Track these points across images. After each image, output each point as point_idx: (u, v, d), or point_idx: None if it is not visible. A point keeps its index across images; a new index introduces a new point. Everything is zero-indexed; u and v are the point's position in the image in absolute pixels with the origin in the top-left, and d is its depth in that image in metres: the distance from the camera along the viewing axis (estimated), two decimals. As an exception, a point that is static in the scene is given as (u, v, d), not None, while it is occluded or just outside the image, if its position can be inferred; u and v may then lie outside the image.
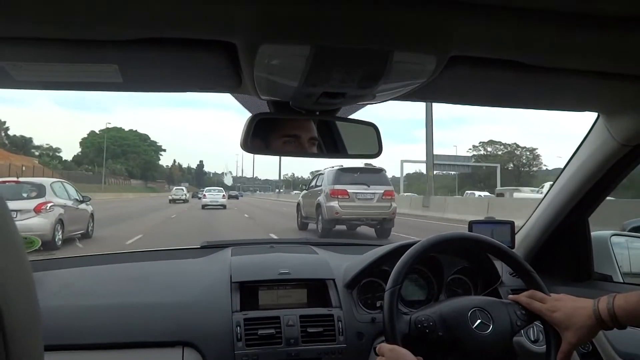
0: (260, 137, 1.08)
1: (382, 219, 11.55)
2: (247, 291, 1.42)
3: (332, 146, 1.18)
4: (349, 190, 11.37)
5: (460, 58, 0.82)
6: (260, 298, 1.43)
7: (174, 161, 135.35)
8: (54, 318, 1.25)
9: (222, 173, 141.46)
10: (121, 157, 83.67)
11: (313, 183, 13.27)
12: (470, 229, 1.58)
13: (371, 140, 1.16)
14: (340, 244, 1.99)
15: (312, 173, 12.83)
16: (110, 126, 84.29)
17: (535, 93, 1.09)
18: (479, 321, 1.12)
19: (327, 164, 13.47)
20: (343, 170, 11.74)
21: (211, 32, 0.74)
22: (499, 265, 1.51)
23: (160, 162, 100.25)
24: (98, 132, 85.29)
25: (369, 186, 11.53)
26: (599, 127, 1.33)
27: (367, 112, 1.21)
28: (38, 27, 0.71)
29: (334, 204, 11.30)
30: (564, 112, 1.24)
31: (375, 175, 12.04)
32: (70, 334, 1.25)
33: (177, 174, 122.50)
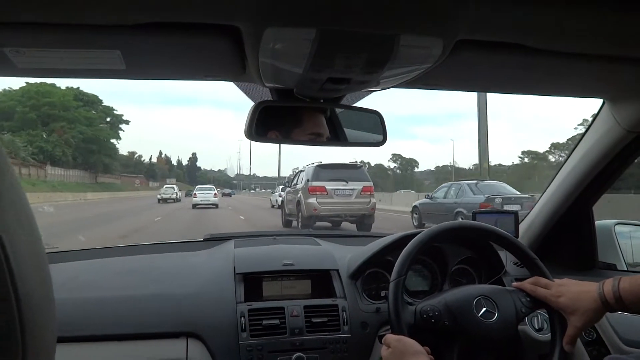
0: (264, 125, 1.07)
1: (361, 215, 11.47)
2: (251, 282, 1.42)
3: (336, 135, 1.17)
4: (327, 187, 11.30)
5: (466, 42, 0.82)
6: (264, 289, 1.43)
7: (160, 153, 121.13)
8: (58, 310, 1.25)
9: (225, 169, 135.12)
10: (39, 127, 46.66)
11: (295, 180, 13.09)
12: (474, 219, 1.58)
13: (376, 128, 1.15)
14: (344, 236, 1.99)
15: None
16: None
17: (540, 78, 1.08)
18: (484, 309, 1.12)
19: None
20: (322, 167, 11.67)
21: (216, 16, 0.73)
22: (502, 255, 1.51)
23: (119, 144, 72.02)
24: (12, 90, 48.54)
25: (347, 182, 11.46)
26: (604, 114, 1.32)
27: (367, 104, 1.19)
28: (40, 12, 0.70)
29: (313, 200, 11.24)
30: (570, 98, 1.23)
31: (354, 171, 11.99)
32: (75, 326, 1.24)
33: (163, 168, 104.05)
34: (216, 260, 1.54)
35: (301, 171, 12.71)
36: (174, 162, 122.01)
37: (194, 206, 26.03)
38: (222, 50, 0.84)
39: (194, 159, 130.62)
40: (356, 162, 12.67)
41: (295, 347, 1.30)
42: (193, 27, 0.77)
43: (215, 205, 26.20)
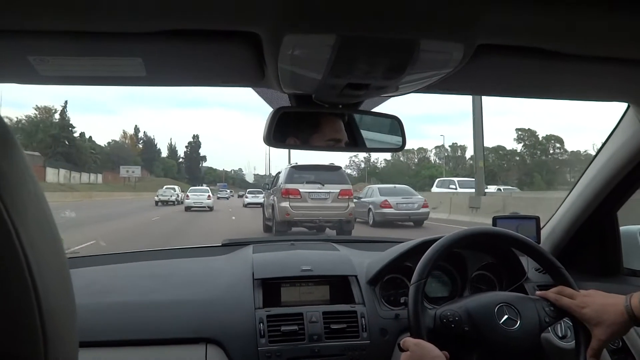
0: (283, 131, 1.07)
1: (338, 220, 10.62)
2: (270, 288, 1.42)
3: (355, 140, 1.17)
4: (301, 190, 10.44)
5: (487, 47, 0.81)
6: (282, 295, 1.43)
7: (136, 129, 79.52)
8: (77, 315, 1.26)
9: (240, 169, 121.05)
10: None
11: (274, 182, 12.08)
12: (494, 224, 1.55)
13: (394, 133, 1.15)
14: (362, 241, 1.98)
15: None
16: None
17: (563, 83, 1.06)
18: (506, 317, 1.10)
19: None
20: (297, 168, 10.91)
21: (235, 23, 0.73)
22: (524, 260, 1.48)
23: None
24: None
25: (323, 185, 10.62)
26: (629, 118, 1.30)
27: (383, 106, 1.19)
28: (63, 21, 0.71)
29: (285, 204, 10.37)
30: (593, 102, 1.20)
31: (332, 173, 11.13)
32: (94, 331, 1.25)
33: (128, 151, 72.65)
34: (235, 265, 1.55)
35: (279, 172, 11.85)
36: (162, 148, 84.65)
37: (187, 209, 24.21)
38: (242, 56, 0.84)
39: (195, 144, 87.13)
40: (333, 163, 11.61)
41: (314, 353, 1.29)
42: (213, 34, 0.77)
43: (210, 208, 24.55)
